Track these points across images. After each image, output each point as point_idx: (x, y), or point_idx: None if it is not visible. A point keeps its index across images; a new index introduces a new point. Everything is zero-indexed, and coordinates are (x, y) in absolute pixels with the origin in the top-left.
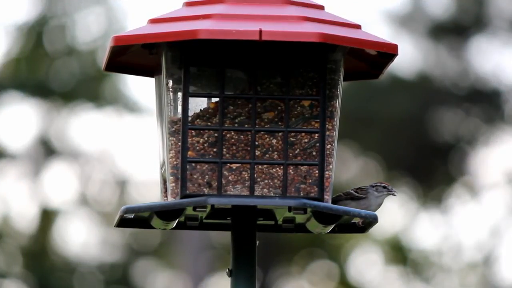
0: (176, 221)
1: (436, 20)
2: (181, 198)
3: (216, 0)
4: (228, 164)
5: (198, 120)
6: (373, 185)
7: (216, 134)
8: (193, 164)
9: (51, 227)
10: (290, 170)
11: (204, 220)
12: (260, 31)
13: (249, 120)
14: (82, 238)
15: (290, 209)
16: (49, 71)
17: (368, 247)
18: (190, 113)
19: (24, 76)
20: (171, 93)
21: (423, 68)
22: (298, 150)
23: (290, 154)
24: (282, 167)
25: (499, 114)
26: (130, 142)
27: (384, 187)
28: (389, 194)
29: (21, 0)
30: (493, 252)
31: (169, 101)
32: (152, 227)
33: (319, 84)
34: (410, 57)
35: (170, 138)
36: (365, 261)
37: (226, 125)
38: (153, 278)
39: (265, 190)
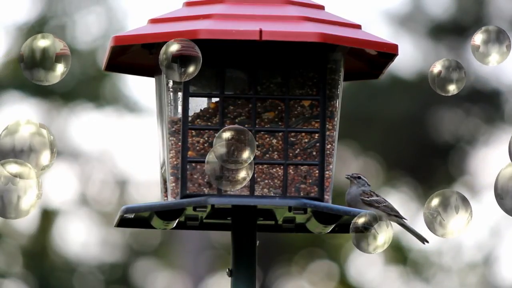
0: (176, 221)
1: (436, 20)
2: (181, 198)
3: (216, 0)
4: None
5: (198, 120)
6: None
7: (216, 134)
8: (193, 164)
9: (51, 227)
10: (290, 170)
11: (204, 220)
12: (260, 31)
13: (249, 120)
14: (82, 238)
15: (290, 209)
16: None
17: None
18: (190, 113)
19: (24, 76)
20: (171, 93)
21: (423, 68)
22: (298, 150)
23: (290, 154)
24: (282, 167)
25: (499, 114)
26: (130, 142)
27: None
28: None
29: (21, 0)
30: (493, 252)
31: (169, 101)
32: (152, 227)
33: (319, 84)
34: (410, 57)
35: (170, 138)
36: (365, 261)
37: (226, 125)
38: (153, 278)
39: (265, 190)
